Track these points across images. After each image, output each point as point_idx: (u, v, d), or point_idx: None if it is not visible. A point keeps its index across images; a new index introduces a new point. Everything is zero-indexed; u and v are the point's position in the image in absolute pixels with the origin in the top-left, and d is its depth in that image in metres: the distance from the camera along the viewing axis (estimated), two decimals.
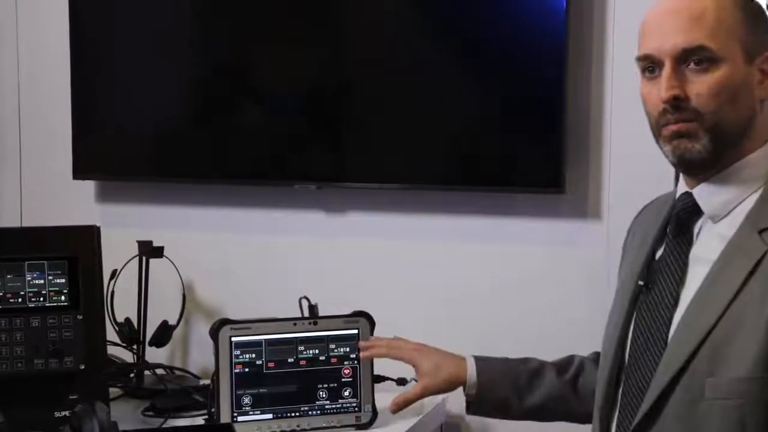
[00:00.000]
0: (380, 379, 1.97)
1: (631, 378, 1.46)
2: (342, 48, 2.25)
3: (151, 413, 2.02)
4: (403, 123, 2.19)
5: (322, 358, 1.93)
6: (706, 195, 1.44)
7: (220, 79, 2.32)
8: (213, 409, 1.90)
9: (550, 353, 1.80)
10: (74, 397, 1.79)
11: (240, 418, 1.88)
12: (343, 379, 1.93)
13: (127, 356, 2.25)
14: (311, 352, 1.92)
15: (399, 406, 1.82)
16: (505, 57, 2.12)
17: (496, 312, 2.19)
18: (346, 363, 1.94)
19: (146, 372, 2.21)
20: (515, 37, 2.11)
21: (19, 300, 1.84)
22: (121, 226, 2.27)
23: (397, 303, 2.21)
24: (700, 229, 1.45)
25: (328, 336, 1.93)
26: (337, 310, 1.95)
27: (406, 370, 1.89)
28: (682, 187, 1.49)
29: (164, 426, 1.93)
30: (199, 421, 1.96)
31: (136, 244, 2.22)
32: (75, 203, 2.41)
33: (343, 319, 1.94)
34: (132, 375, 2.20)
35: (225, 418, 1.87)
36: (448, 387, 1.79)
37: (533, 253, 2.16)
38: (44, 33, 2.44)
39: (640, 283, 1.48)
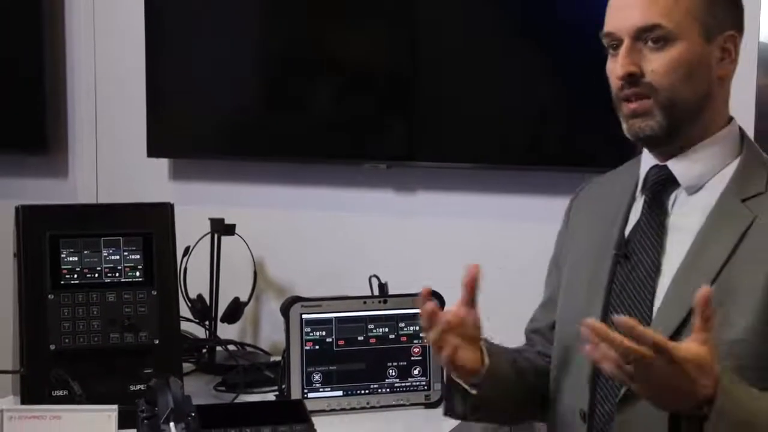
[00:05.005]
0: None
1: None
2: (414, 28, 2.24)
3: (222, 388, 2.05)
4: (473, 102, 2.17)
5: (391, 336, 1.93)
6: (682, 168, 1.48)
7: (293, 59, 2.33)
8: (284, 386, 1.92)
9: None
10: (149, 371, 1.81)
11: (310, 395, 1.90)
12: (412, 358, 1.94)
13: (200, 332, 2.28)
14: (381, 330, 1.93)
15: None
16: (581, 35, 2.08)
17: None
18: (415, 341, 1.94)
19: (218, 348, 2.24)
20: (594, 15, 2.08)
21: (96, 275, 1.88)
22: (194, 204, 2.30)
23: None
24: (674, 201, 1.49)
25: (397, 314, 1.94)
26: (406, 289, 1.95)
27: None
28: (649, 161, 1.52)
29: (236, 401, 1.95)
30: (270, 397, 1.98)
31: (209, 222, 2.25)
32: (149, 181, 2.45)
33: (413, 297, 1.94)
34: (204, 350, 2.23)
35: (295, 394, 1.89)
36: (476, 332, 1.55)
37: None
38: (120, 13, 2.47)
39: (615, 252, 1.49)
